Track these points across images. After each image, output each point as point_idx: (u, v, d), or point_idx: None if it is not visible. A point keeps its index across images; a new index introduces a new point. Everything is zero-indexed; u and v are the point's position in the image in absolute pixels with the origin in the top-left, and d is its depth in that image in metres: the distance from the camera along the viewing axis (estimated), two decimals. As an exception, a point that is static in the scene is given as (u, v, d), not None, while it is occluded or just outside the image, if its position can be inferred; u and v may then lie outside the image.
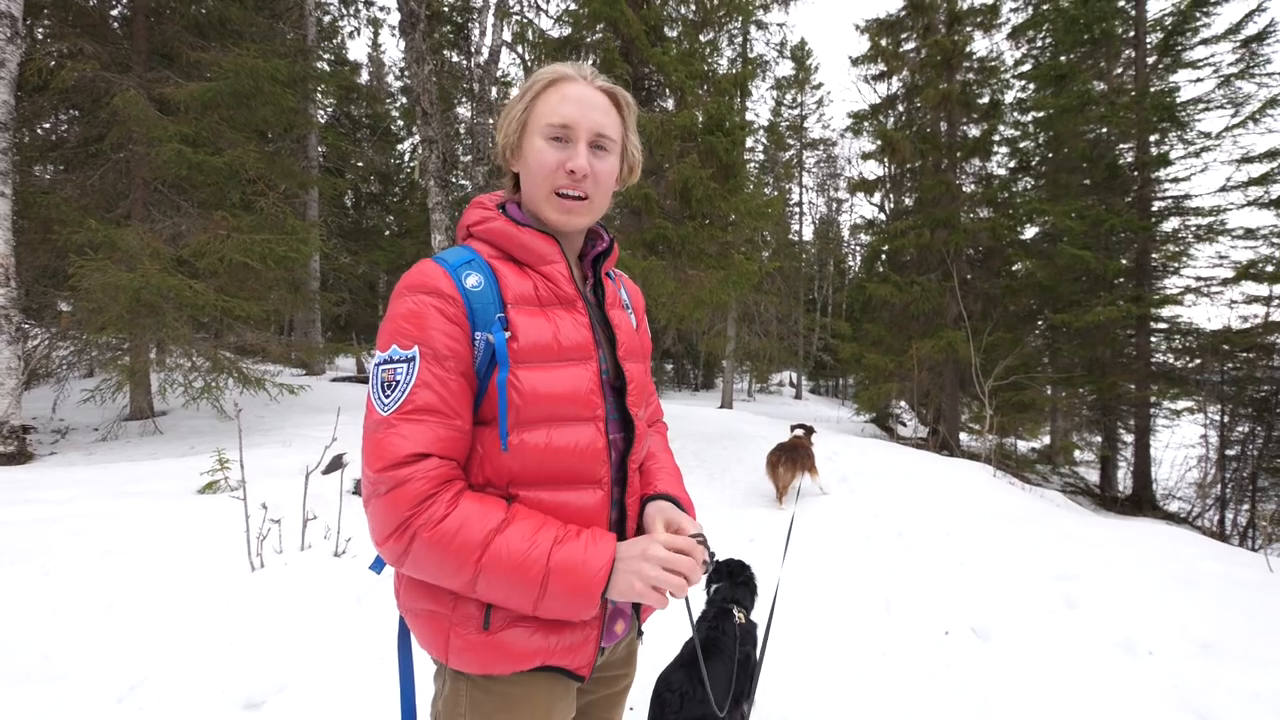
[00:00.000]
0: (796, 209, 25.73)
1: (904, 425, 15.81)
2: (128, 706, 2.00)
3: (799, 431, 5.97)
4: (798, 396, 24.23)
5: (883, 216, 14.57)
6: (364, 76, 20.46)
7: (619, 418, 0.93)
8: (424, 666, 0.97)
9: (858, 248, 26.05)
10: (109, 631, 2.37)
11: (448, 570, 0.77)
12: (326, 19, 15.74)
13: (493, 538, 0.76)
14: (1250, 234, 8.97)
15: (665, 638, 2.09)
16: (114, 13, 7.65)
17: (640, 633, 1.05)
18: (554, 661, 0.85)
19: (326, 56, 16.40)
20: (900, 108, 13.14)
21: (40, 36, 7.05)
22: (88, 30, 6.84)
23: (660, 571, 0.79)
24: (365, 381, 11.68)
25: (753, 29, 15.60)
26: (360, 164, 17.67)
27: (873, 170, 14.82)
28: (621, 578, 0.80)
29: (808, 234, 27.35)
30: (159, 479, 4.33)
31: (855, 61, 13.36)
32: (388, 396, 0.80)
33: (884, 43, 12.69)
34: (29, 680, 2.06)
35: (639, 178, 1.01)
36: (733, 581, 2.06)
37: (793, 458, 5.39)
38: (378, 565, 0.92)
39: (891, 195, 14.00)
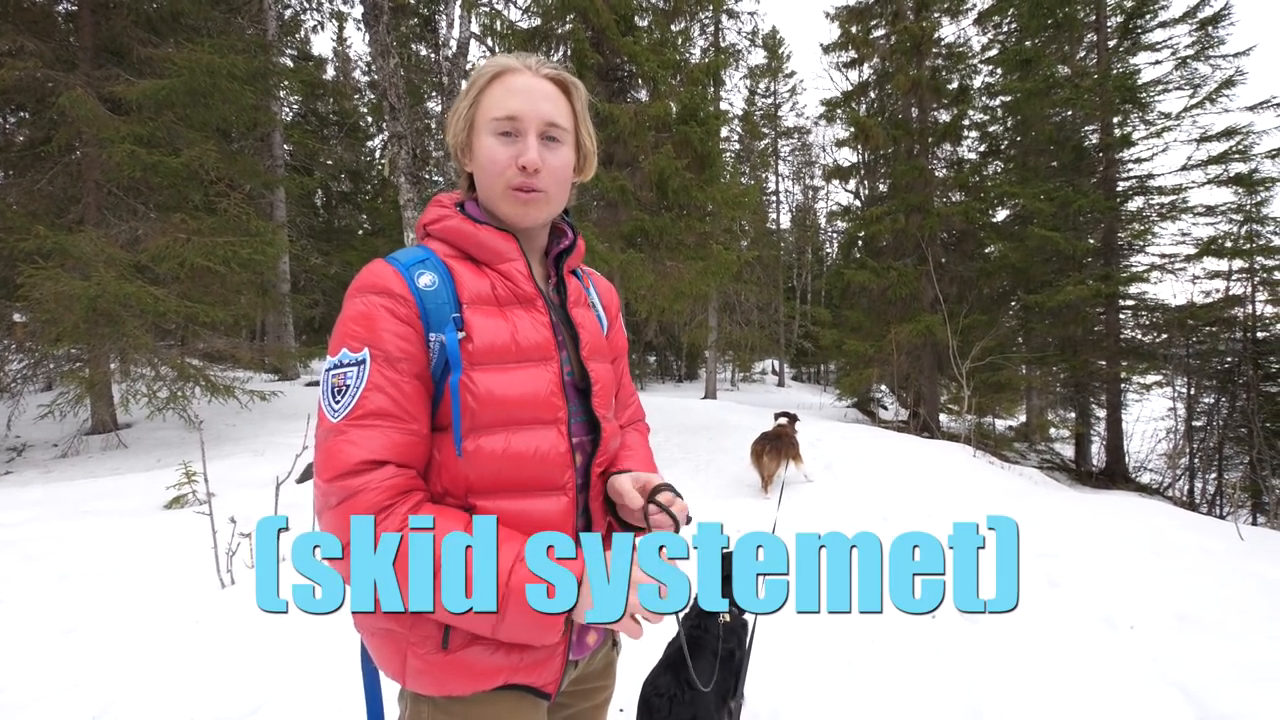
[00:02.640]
0: (773, 197, 25.82)
1: (885, 409, 16.01)
2: (89, 738, 1.91)
3: (782, 420, 5.98)
4: (780, 384, 24.38)
5: (858, 203, 14.65)
6: (330, 72, 19.90)
7: (585, 420, 0.89)
8: (392, 685, 0.91)
9: (834, 234, 26.14)
10: (69, 659, 2.26)
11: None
12: (288, 13, 15.20)
13: None
14: (1210, 211, 9.20)
15: (647, 640, 2.05)
16: (59, 8, 7.29)
17: (615, 643, 1.01)
18: (518, 679, 0.81)
19: (289, 52, 15.89)
20: (872, 94, 13.18)
21: (-23, 34, 6.70)
22: (28, 26, 6.51)
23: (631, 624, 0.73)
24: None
25: (724, 18, 15.56)
26: (329, 162, 17.22)
27: (847, 157, 14.90)
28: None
29: (785, 222, 27.43)
30: (122, 495, 4.17)
31: (827, 49, 13.40)
32: (338, 402, 0.76)
33: (854, 29, 12.72)
34: (-19, 715, 1.95)
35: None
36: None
37: (777, 446, 5.39)
38: None
39: (866, 181, 14.08)
